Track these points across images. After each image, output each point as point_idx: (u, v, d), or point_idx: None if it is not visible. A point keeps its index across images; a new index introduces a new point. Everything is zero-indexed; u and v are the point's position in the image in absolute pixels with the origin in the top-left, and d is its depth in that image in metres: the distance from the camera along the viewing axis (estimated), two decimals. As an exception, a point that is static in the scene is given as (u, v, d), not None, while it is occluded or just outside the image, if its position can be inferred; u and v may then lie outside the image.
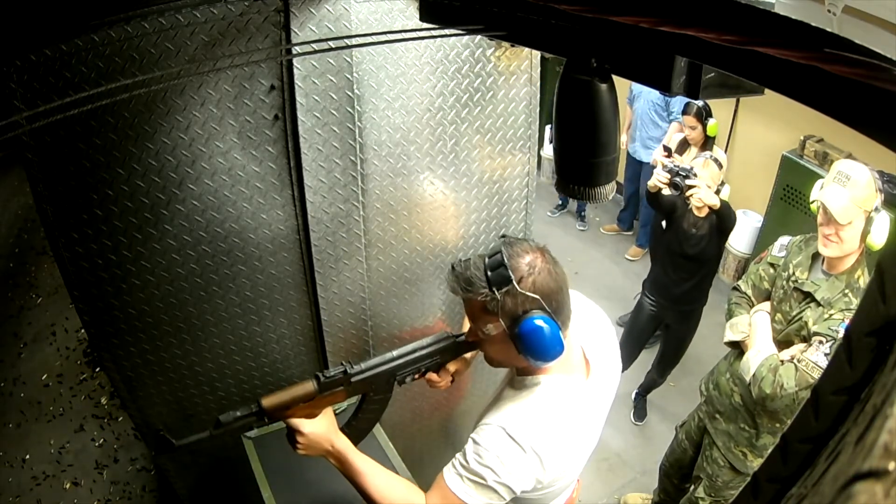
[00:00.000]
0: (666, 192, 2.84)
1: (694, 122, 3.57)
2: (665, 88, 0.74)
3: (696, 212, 2.85)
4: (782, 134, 3.88)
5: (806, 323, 1.88)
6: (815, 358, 1.77)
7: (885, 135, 0.48)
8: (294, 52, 1.43)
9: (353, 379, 1.30)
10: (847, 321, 1.78)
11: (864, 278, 1.88)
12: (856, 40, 0.50)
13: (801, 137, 3.70)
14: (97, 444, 2.96)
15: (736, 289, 2.24)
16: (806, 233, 2.06)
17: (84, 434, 3.01)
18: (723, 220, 2.80)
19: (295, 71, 1.44)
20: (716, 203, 2.71)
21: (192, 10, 1.30)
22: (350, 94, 1.53)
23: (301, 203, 1.61)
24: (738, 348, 2.11)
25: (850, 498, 0.29)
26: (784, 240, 2.15)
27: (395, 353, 1.37)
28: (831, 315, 1.83)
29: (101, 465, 2.85)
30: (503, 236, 1.23)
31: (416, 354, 1.39)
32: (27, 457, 2.88)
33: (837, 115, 0.52)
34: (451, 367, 1.52)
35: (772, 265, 2.12)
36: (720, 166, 2.86)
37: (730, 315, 2.17)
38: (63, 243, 1.41)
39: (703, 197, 2.70)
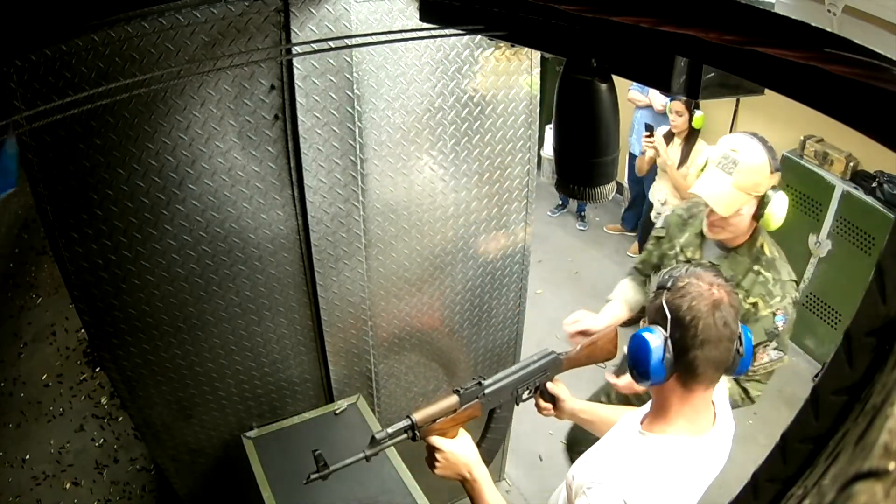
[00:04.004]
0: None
1: (681, 108, 3.52)
2: (665, 88, 0.74)
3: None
4: (782, 134, 3.87)
5: None
6: (767, 359, 1.70)
7: (885, 135, 0.48)
8: (294, 52, 1.43)
9: (486, 390, 1.33)
10: (780, 313, 1.69)
11: (767, 246, 1.73)
12: (856, 40, 0.50)
13: (801, 137, 3.70)
14: (97, 444, 2.95)
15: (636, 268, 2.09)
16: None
17: (84, 434, 3.00)
18: None
19: (295, 71, 1.44)
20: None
21: (192, 10, 1.30)
22: (350, 94, 1.53)
23: (301, 203, 1.61)
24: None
25: (850, 498, 0.29)
26: (668, 209, 2.01)
27: (512, 367, 1.42)
28: (754, 304, 1.69)
29: (101, 465, 2.84)
30: (713, 263, 1.17)
31: (531, 368, 1.43)
32: (27, 457, 2.87)
33: (837, 115, 0.52)
34: (554, 390, 1.49)
35: (657, 238, 1.96)
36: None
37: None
38: (63, 243, 1.41)
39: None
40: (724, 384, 1.70)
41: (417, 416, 1.23)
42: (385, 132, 1.63)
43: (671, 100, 3.62)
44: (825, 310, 3.62)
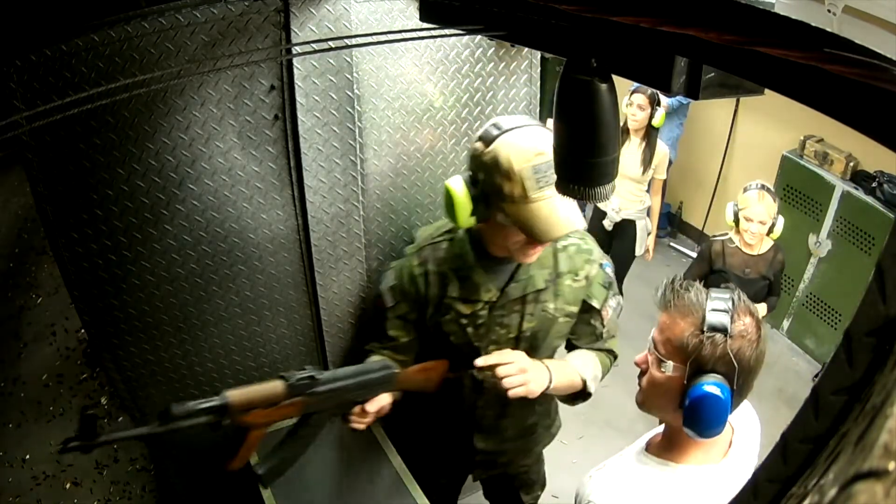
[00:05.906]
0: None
1: (645, 103, 3.17)
2: (665, 88, 0.74)
3: (745, 248, 2.55)
4: (782, 134, 3.88)
5: (549, 312, 1.51)
6: (612, 312, 1.58)
7: (885, 135, 0.48)
8: (294, 52, 1.43)
9: (319, 389, 1.16)
10: (605, 260, 1.57)
11: None
12: (856, 40, 0.50)
13: (801, 137, 3.70)
14: (97, 444, 2.95)
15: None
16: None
17: (84, 434, 3.00)
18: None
19: (295, 71, 1.44)
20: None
21: (192, 10, 1.30)
22: (350, 94, 1.53)
23: (301, 203, 1.61)
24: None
25: (850, 498, 0.29)
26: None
27: (349, 370, 1.26)
28: (586, 276, 1.53)
29: (101, 465, 2.84)
30: (728, 283, 1.13)
31: (369, 378, 1.27)
32: (27, 457, 2.87)
33: (837, 115, 0.52)
34: (384, 401, 1.38)
35: (401, 317, 1.59)
36: (775, 199, 2.51)
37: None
38: (63, 243, 1.41)
39: None
40: (594, 359, 1.63)
41: (233, 395, 1.01)
42: (385, 132, 1.63)
43: (632, 92, 3.24)
44: (825, 310, 3.62)
